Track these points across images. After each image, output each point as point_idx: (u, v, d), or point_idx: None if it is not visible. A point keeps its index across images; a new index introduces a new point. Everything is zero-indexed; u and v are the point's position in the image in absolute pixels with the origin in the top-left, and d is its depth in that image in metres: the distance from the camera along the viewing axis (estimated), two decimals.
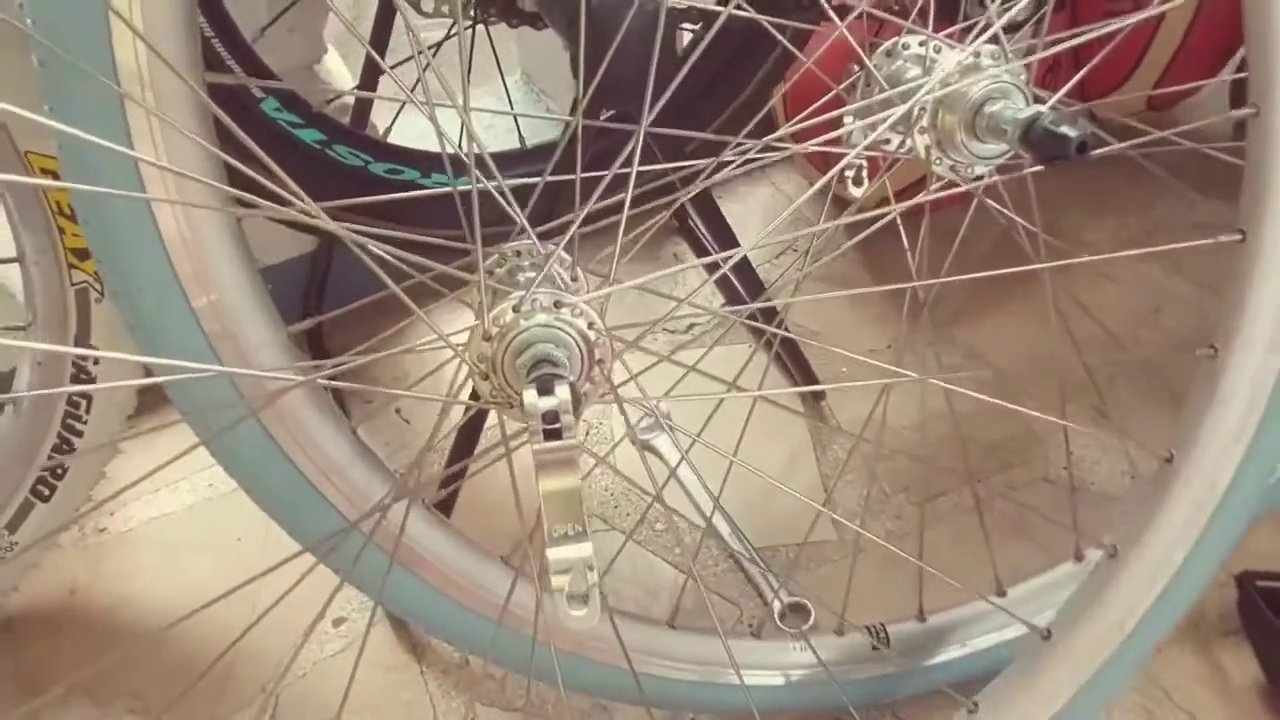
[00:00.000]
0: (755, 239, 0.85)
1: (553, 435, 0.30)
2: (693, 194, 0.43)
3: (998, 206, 0.48)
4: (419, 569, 0.51)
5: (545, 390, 0.31)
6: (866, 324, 0.98)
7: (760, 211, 1.14)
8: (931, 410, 0.83)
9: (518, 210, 0.38)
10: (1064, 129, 0.39)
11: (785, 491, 0.83)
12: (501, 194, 0.39)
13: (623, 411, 0.47)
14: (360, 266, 0.41)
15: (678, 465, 0.79)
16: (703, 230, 0.75)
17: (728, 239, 0.74)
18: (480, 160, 0.41)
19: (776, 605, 0.73)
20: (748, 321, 0.78)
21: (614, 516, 0.82)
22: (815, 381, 0.84)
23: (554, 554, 0.29)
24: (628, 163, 0.41)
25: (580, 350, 0.36)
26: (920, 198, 0.52)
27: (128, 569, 0.79)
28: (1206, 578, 0.51)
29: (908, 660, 0.66)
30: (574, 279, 0.43)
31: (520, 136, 0.77)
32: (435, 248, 0.46)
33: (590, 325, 0.36)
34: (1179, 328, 0.97)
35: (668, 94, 0.42)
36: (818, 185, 0.43)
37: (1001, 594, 0.67)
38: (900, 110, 0.42)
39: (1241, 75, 0.48)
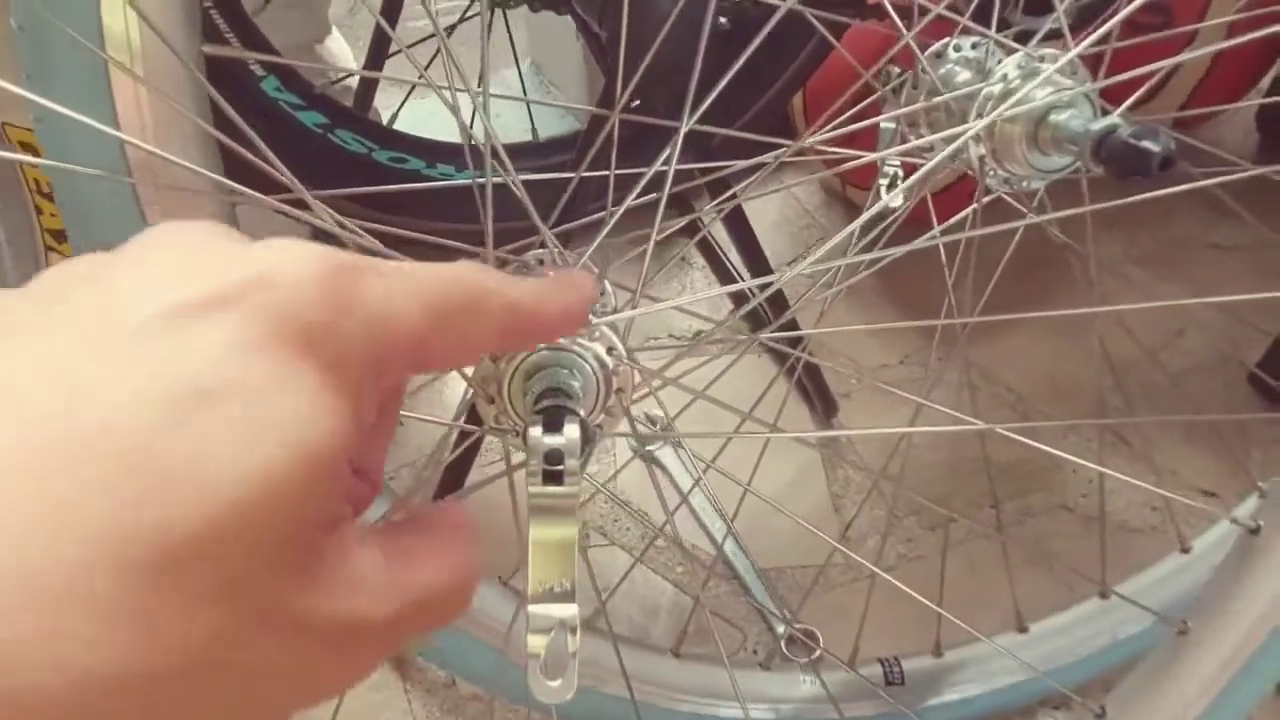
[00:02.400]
0: (769, 253, 0.81)
1: (553, 478, 0.26)
2: (732, 203, 0.39)
3: (1055, 231, 0.45)
4: None
5: (552, 426, 0.27)
6: (882, 336, 0.95)
7: (772, 216, 1.10)
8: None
9: (538, 217, 0.34)
10: (1146, 143, 0.35)
11: (795, 513, 0.79)
12: (518, 190, 0.35)
13: (632, 427, 0.44)
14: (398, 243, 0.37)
15: (690, 490, 0.75)
16: (723, 247, 0.71)
17: (756, 256, 0.70)
18: (496, 154, 0.38)
19: (785, 634, 0.69)
20: (769, 340, 0.75)
21: (614, 531, 0.79)
22: (831, 402, 0.81)
23: (535, 610, 0.25)
24: (666, 161, 0.37)
25: (597, 378, 0.32)
26: (959, 215, 0.48)
27: None
28: None
29: (922, 697, 0.62)
30: (600, 293, 0.40)
31: (533, 128, 0.73)
32: (443, 247, 0.42)
33: (610, 350, 0.32)
34: (1202, 352, 0.94)
35: (714, 92, 0.38)
36: (871, 212, 0.39)
37: (1023, 630, 0.64)
38: (981, 124, 0.38)
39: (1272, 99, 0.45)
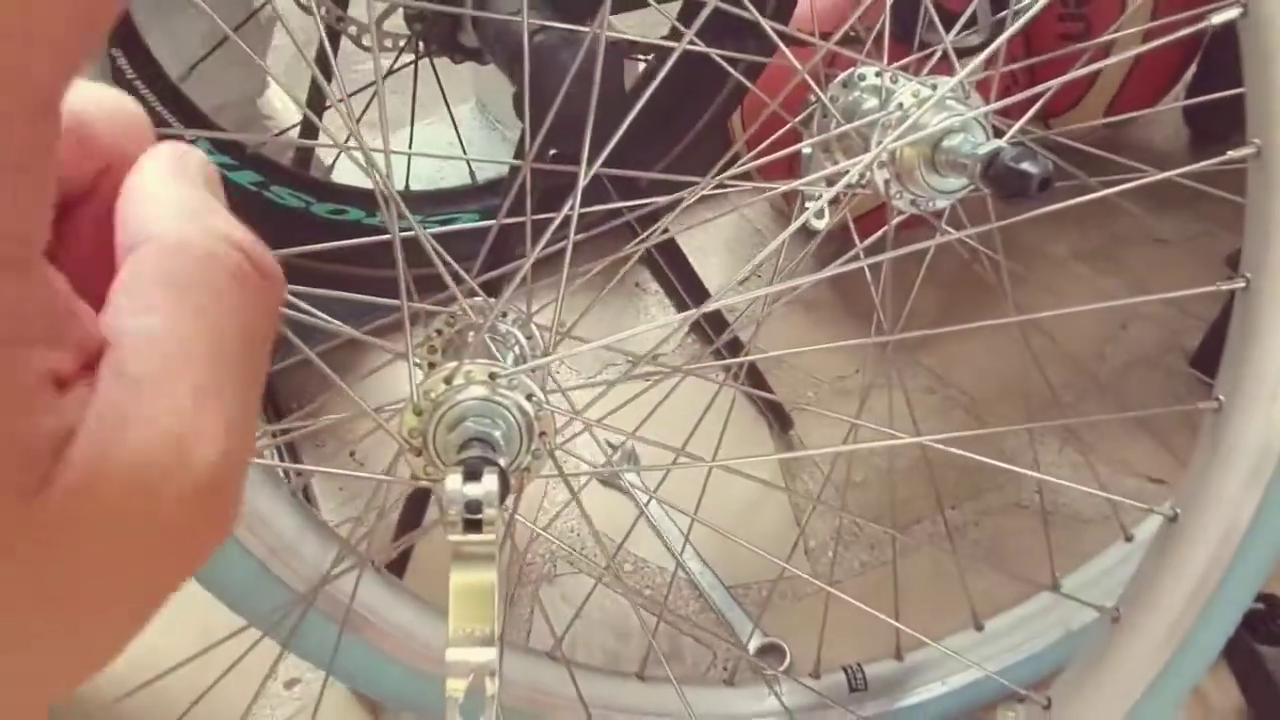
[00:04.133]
0: (720, 272, 0.83)
1: (473, 527, 0.27)
2: (652, 241, 0.41)
3: (961, 236, 0.47)
4: (370, 636, 0.48)
5: (471, 476, 0.28)
6: (834, 347, 0.97)
7: (724, 236, 1.12)
8: (903, 427, 0.81)
9: (444, 268, 0.36)
10: (1025, 165, 0.37)
11: (757, 525, 0.81)
12: (428, 244, 0.37)
13: (558, 468, 0.45)
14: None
15: (646, 505, 0.77)
16: (668, 275, 0.73)
17: (692, 285, 0.72)
18: (410, 208, 0.39)
19: (751, 647, 0.70)
20: (698, 371, 0.76)
21: (579, 560, 0.80)
22: (784, 415, 0.82)
23: (453, 655, 0.26)
24: (578, 205, 0.39)
25: (519, 425, 0.33)
26: (876, 235, 0.50)
27: None
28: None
29: (886, 701, 0.64)
30: (529, 337, 0.41)
31: (471, 172, 0.74)
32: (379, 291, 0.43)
33: (529, 397, 0.34)
34: (1145, 343, 0.97)
35: (617, 135, 0.40)
36: (783, 236, 0.41)
37: (979, 629, 0.66)
38: (867, 159, 0.40)
39: (1200, 99, 0.47)
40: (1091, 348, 0.97)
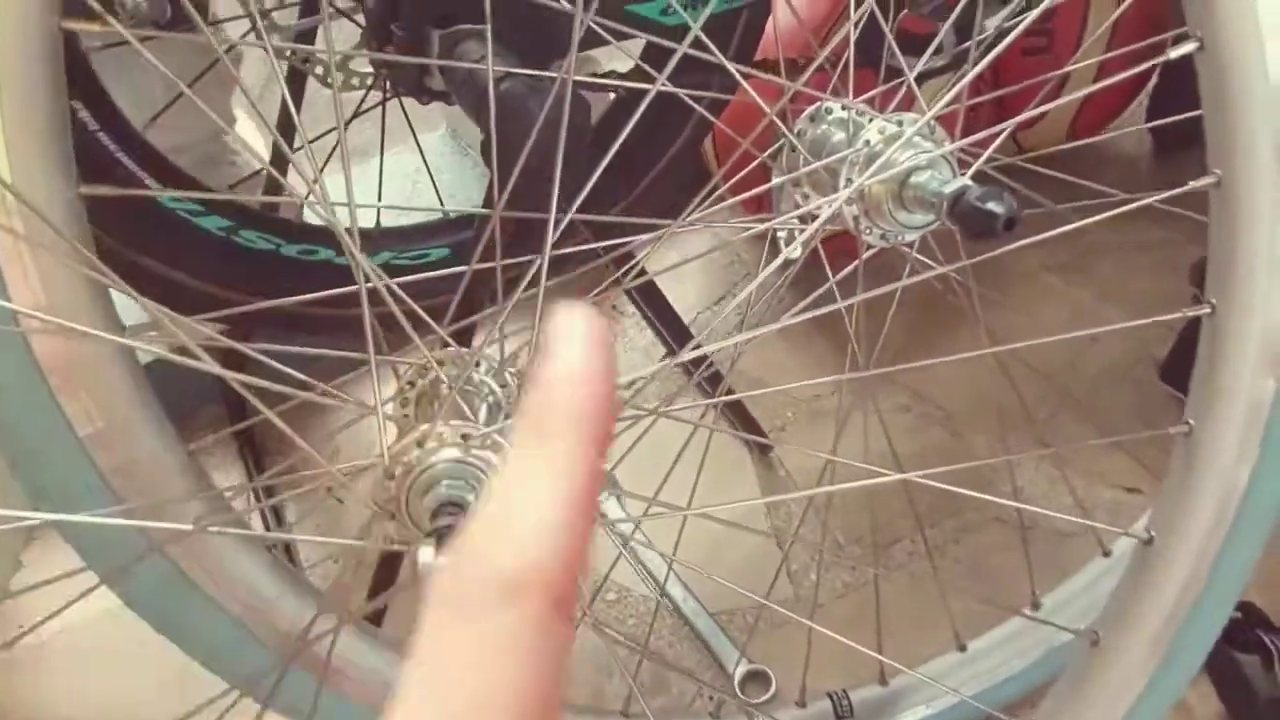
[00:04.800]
0: (697, 294, 0.83)
1: None
2: (629, 283, 0.41)
3: (929, 277, 0.47)
4: (350, 689, 0.47)
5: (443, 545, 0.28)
6: (810, 367, 0.97)
7: (701, 260, 1.12)
8: (878, 453, 0.82)
9: (413, 321, 0.35)
10: (991, 205, 0.37)
11: (740, 550, 0.81)
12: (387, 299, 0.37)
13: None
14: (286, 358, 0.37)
15: (631, 535, 0.76)
16: (647, 314, 0.72)
17: (671, 324, 0.71)
18: (379, 245, 0.39)
19: (737, 676, 0.70)
20: (688, 408, 0.76)
21: None
22: (763, 436, 0.82)
23: None
24: (548, 253, 0.38)
25: None
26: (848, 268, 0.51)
27: (43, 686, 0.73)
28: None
29: None
30: (504, 385, 0.41)
31: (442, 205, 0.74)
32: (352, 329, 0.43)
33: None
34: (1115, 354, 0.98)
35: (590, 183, 0.40)
36: (757, 280, 0.41)
37: (962, 649, 0.66)
38: (838, 199, 0.40)
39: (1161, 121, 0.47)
40: (1063, 359, 0.98)
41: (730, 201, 0.44)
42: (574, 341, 0.18)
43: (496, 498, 0.17)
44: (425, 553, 0.28)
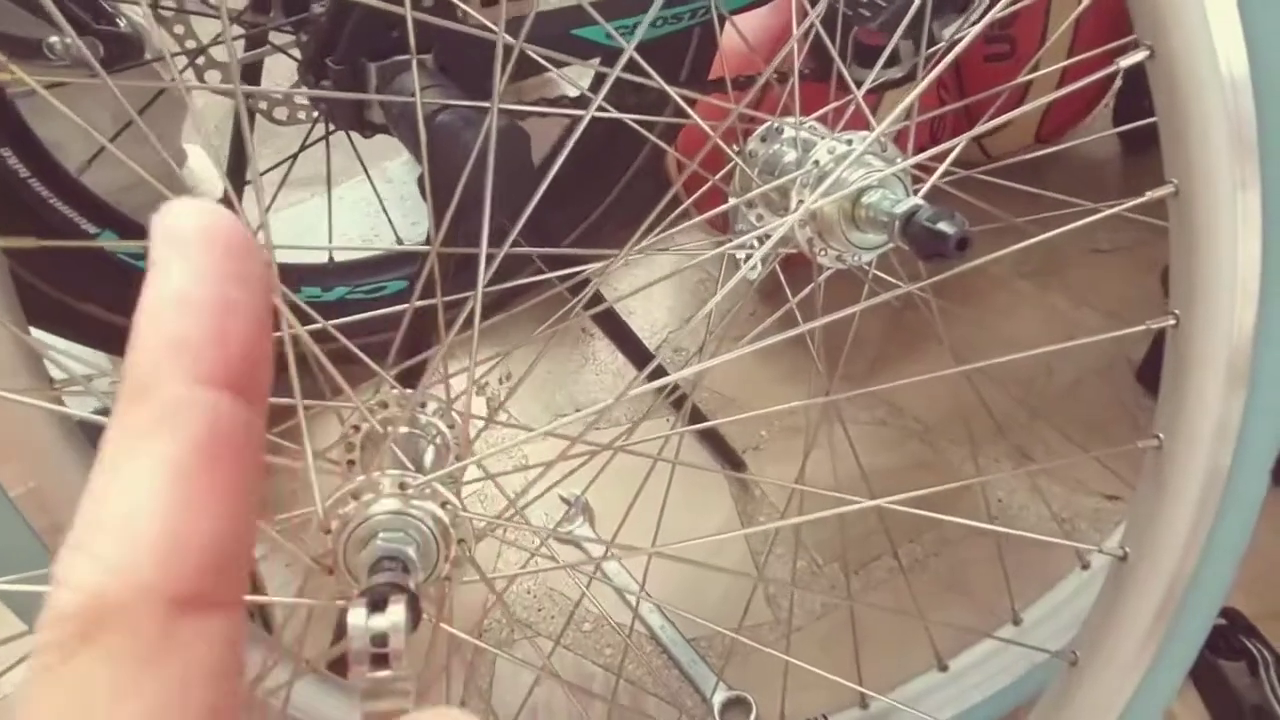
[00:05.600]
0: (666, 311, 0.82)
1: (381, 662, 0.25)
2: (590, 311, 0.39)
3: (889, 298, 0.46)
4: None
5: (377, 606, 0.26)
6: (781, 381, 0.96)
7: (671, 280, 1.11)
8: (851, 473, 0.81)
9: (337, 375, 0.34)
10: (942, 225, 0.36)
11: (716, 575, 0.79)
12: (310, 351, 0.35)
13: (480, 573, 0.43)
14: None
15: (602, 559, 0.75)
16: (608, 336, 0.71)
17: (631, 347, 0.70)
18: (335, 280, 0.38)
19: (717, 703, 0.69)
20: (648, 440, 0.75)
21: (539, 620, 0.78)
22: (735, 457, 0.81)
23: None
24: (481, 288, 0.37)
25: (434, 536, 0.32)
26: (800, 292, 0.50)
27: None
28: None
29: None
30: (451, 426, 0.40)
31: (396, 235, 0.73)
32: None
33: (445, 505, 0.32)
34: (1091, 357, 0.97)
35: (525, 213, 0.39)
36: (712, 303, 0.40)
37: (943, 669, 0.65)
38: (788, 221, 0.39)
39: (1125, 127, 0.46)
40: (1038, 363, 0.97)
41: (691, 222, 0.43)
42: (178, 250, 0.13)
43: (89, 491, 0.13)
44: (355, 614, 0.27)
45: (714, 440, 0.80)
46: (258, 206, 0.41)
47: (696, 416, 0.74)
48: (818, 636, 0.76)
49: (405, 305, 0.42)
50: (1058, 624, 0.65)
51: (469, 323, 0.39)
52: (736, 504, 0.85)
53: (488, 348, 0.41)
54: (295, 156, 0.59)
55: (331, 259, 0.62)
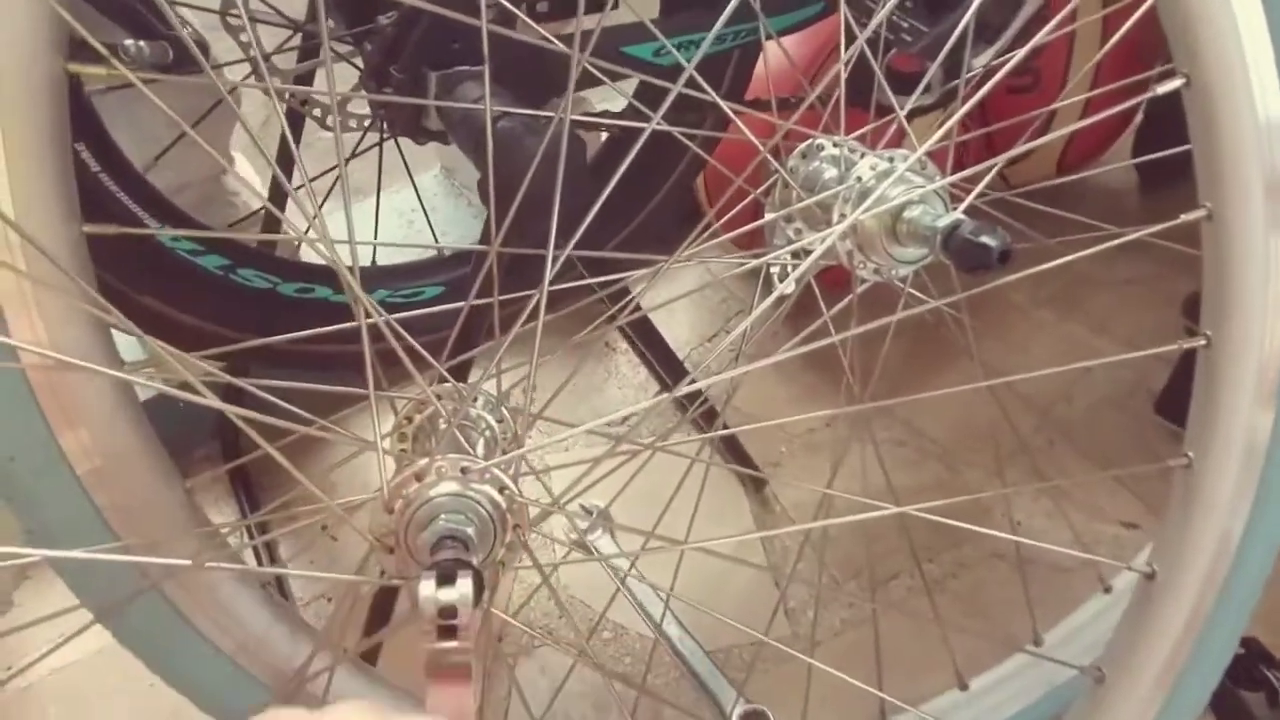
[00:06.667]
0: (688, 328, 0.83)
1: (449, 633, 0.26)
2: (623, 319, 0.41)
3: (922, 311, 0.48)
4: None
5: (445, 580, 0.27)
6: (798, 400, 0.97)
7: (692, 297, 1.13)
8: (875, 487, 0.82)
9: (411, 356, 0.36)
10: (984, 239, 0.38)
11: (735, 588, 0.80)
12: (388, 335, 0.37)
13: (533, 559, 0.44)
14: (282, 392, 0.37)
15: (626, 573, 0.76)
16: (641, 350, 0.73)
17: (666, 360, 0.72)
18: (374, 284, 0.39)
19: (735, 716, 0.69)
20: (685, 442, 0.76)
21: (559, 628, 0.79)
22: (759, 478, 0.82)
23: None
24: (546, 288, 0.39)
25: (492, 519, 0.33)
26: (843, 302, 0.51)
27: None
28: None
29: None
30: (500, 420, 0.41)
31: (436, 241, 0.74)
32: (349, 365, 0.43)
33: (502, 490, 0.33)
34: (1110, 386, 0.98)
35: (586, 220, 0.40)
36: (754, 315, 0.41)
37: (964, 688, 0.65)
38: (832, 234, 0.41)
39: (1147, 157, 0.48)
40: (1058, 391, 0.98)
41: (723, 238, 0.45)
42: None
43: None
44: (426, 585, 0.28)
45: (737, 453, 0.81)
46: (310, 208, 0.43)
47: (725, 427, 0.75)
48: (836, 653, 0.76)
49: (461, 304, 0.44)
50: (1079, 646, 0.66)
51: (521, 320, 0.40)
52: (756, 520, 0.86)
53: (518, 355, 0.43)
54: (348, 160, 0.61)
55: (374, 261, 0.64)
